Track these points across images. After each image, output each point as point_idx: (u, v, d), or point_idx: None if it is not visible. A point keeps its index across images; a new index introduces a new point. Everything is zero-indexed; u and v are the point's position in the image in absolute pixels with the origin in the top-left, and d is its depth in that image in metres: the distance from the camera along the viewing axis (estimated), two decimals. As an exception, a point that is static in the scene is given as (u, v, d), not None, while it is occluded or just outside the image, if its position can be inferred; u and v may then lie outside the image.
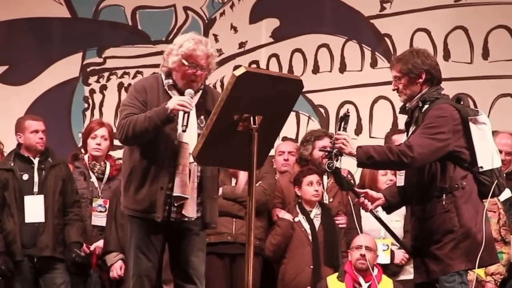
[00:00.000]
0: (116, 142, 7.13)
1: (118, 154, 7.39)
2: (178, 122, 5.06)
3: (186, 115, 4.96)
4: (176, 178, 5.04)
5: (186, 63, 5.09)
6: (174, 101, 5.01)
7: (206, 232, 5.34)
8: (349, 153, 4.90)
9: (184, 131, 4.97)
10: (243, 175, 6.58)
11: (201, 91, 5.19)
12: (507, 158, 6.77)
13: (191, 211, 5.08)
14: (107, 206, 6.78)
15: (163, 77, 5.21)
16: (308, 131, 7.57)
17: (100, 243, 6.73)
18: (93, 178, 6.89)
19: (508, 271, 6.60)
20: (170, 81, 5.17)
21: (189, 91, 5.07)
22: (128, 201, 5.15)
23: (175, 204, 5.07)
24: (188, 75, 5.11)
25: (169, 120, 5.01)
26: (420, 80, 5.05)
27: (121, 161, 6.82)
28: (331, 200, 6.92)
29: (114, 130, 7.11)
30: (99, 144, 6.91)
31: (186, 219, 5.11)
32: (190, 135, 5.06)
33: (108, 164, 6.96)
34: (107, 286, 6.80)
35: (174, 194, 5.04)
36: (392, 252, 6.68)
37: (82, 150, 7.22)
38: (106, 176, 6.91)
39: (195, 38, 5.16)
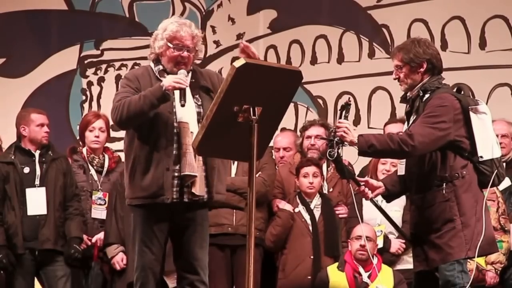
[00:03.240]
0: (114, 134, 7.16)
1: (115, 146, 7.41)
2: (175, 104, 5.05)
3: (182, 91, 4.96)
4: (182, 158, 5.02)
5: (171, 45, 5.10)
6: (169, 79, 5.00)
7: (208, 223, 5.36)
8: (350, 141, 4.91)
9: (183, 105, 4.95)
10: None
11: (191, 72, 5.19)
12: (504, 141, 6.81)
13: (200, 189, 5.06)
14: (106, 199, 6.79)
15: (152, 65, 5.21)
16: (307, 120, 7.60)
17: (102, 235, 6.74)
18: (92, 171, 6.89)
19: (508, 260, 6.63)
20: (160, 67, 5.17)
21: (182, 71, 5.07)
22: (134, 190, 5.12)
23: (185, 184, 5.04)
24: (174, 57, 5.12)
25: (165, 98, 4.99)
26: (421, 70, 5.06)
27: (119, 153, 6.88)
28: (331, 190, 6.93)
29: (111, 121, 7.13)
30: (97, 137, 6.91)
31: (197, 198, 5.08)
32: (189, 114, 5.07)
33: (106, 157, 6.96)
34: (108, 278, 6.81)
35: (183, 173, 5.01)
36: (386, 239, 6.69)
37: (80, 143, 7.20)
38: (105, 169, 6.91)
39: (179, 21, 5.18)
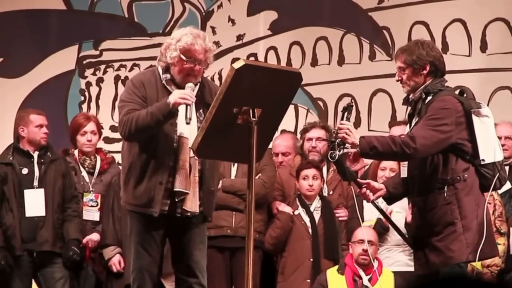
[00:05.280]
0: (112, 135, 7.13)
1: (113, 147, 7.38)
2: (177, 117, 5.04)
3: (188, 107, 4.95)
4: (177, 173, 5.04)
5: (184, 58, 5.07)
6: (176, 95, 4.99)
7: (206, 225, 5.34)
8: (352, 143, 4.90)
9: (188, 123, 4.94)
10: None
11: (198, 84, 5.18)
12: (507, 143, 6.80)
13: (192, 205, 5.08)
14: (98, 200, 6.76)
15: (160, 71, 5.19)
16: (308, 122, 7.57)
17: (93, 236, 6.70)
18: (84, 173, 6.85)
19: (505, 263, 6.60)
20: (168, 76, 5.16)
21: (189, 84, 5.06)
22: (127, 196, 5.15)
23: (176, 200, 5.05)
24: (186, 70, 5.10)
25: (172, 115, 5.00)
26: (424, 72, 5.06)
27: (111, 155, 6.87)
28: (331, 193, 6.91)
29: (101, 122, 7.10)
30: (89, 140, 6.86)
31: (189, 214, 5.10)
32: (190, 129, 5.05)
33: (98, 158, 6.91)
34: (102, 279, 6.77)
35: (175, 189, 5.04)
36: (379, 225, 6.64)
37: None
38: (97, 170, 6.86)
39: (193, 33, 5.15)
